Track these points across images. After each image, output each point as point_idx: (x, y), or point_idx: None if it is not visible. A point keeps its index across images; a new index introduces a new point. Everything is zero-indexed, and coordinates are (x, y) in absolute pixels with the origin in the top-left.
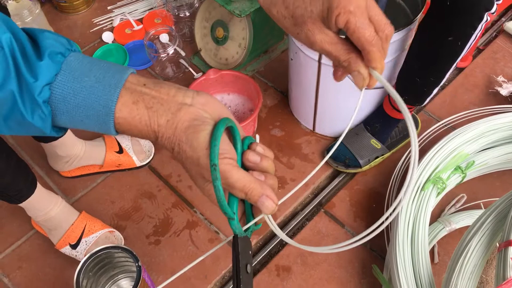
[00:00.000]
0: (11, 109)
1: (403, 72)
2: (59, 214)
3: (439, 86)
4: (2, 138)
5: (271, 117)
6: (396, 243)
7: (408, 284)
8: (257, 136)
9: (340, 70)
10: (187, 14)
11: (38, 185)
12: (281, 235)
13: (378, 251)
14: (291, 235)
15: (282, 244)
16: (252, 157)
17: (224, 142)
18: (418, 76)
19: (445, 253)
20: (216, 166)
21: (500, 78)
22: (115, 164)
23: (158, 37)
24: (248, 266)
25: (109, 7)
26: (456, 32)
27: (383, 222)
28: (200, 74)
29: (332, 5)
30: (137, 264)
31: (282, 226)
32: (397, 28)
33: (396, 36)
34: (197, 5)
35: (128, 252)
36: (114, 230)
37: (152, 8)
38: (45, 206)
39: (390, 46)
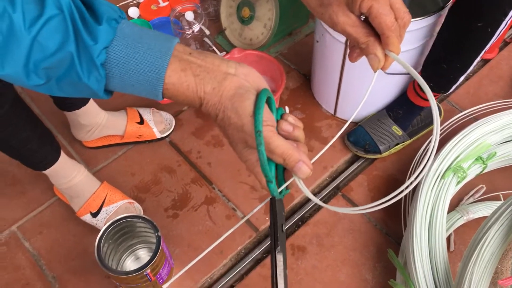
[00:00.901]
0: (67, 70)
1: (430, 58)
2: (82, 183)
3: (466, 74)
4: (29, 107)
5: (293, 99)
6: (414, 228)
7: (424, 270)
8: (287, 108)
9: (356, 51)
10: None
11: (62, 153)
12: (311, 196)
13: (394, 237)
14: (308, 215)
15: (298, 224)
16: (285, 127)
17: (266, 111)
18: (445, 63)
19: (461, 242)
20: (261, 132)
21: None
22: (136, 134)
23: (184, 15)
24: (283, 225)
25: None
26: (486, 17)
27: (407, 187)
28: (224, 53)
29: None
30: (157, 234)
31: (299, 207)
32: (426, 14)
33: (425, 22)
34: None
35: (149, 222)
36: (134, 201)
37: None
38: (68, 174)
39: (417, 32)
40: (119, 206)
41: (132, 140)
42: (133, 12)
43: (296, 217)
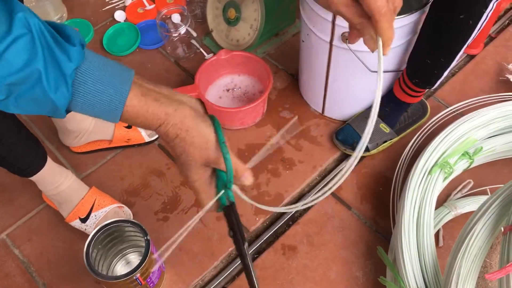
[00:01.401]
0: (32, 87)
1: (414, 54)
2: (69, 188)
3: (450, 68)
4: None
5: (281, 100)
6: (402, 225)
7: (413, 266)
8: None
9: (355, 32)
10: None
11: (49, 159)
12: (246, 199)
13: (383, 234)
14: (298, 215)
15: (289, 224)
16: None
17: None
18: (429, 58)
19: (450, 238)
20: (225, 143)
21: (511, 66)
22: (124, 139)
23: (170, 17)
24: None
25: None
26: (467, 10)
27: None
28: (211, 55)
29: None
30: (146, 238)
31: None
32: (410, 11)
33: (409, 19)
34: None
35: (137, 226)
36: (123, 205)
37: None
38: (55, 179)
39: (402, 29)
40: (108, 211)
41: (120, 145)
42: (120, 15)
43: (286, 217)
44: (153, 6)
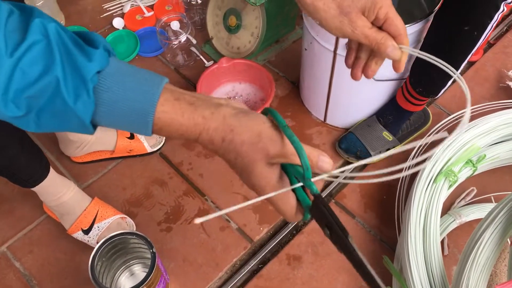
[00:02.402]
0: (51, 98)
1: (417, 63)
2: (72, 199)
3: (453, 78)
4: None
5: (282, 107)
6: (408, 234)
7: (420, 275)
8: None
9: (352, 55)
10: (199, 1)
11: (51, 169)
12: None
13: (389, 243)
14: (302, 224)
15: (293, 233)
16: None
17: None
18: (433, 68)
19: (455, 246)
20: (287, 127)
21: (511, 73)
22: (126, 150)
23: (169, 25)
24: (325, 230)
25: None
26: (472, 21)
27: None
28: (211, 62)
29: (375, 1)
30: (151, 250)
31: None
32: (414, 20)
33: (413, 29)
34: None
35: (143, 238)
36: (126, 216)
37: None
38: (58, 190)
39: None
40: (111, 222)
41: (122, 155)
42: (118, 22)
43: (290, 226)
44: (151, 13)
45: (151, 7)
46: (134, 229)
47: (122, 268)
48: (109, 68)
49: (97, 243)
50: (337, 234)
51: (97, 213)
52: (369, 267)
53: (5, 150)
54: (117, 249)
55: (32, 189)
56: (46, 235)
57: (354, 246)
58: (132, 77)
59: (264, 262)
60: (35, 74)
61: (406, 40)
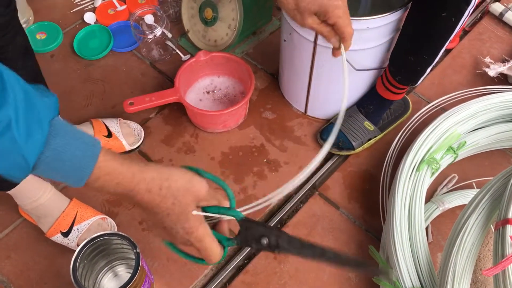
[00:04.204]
0: None
1: (396, 52)
2: (49, 202)
3: (433, 65)
4: None
5: (262, 100)
6: (394, 223)
7: (407, 263)
8: None
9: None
10: None
11: None
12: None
13: (373, 232)
14: (286, 217)
15: (278, 227)
16: None
17: None
18: (412, 55)
19: (439, 233)
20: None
21: (487, 59)
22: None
23: (143, 18)
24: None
25: None
26: (450, 7)
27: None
28: (188, 56)
29: (328, 10)
30: (135, 251)
31: (277, 209)
32: (391, 9)
33: (391, 18)
34: None
35: (126, 238)
36: (106, 217)
37: None
38: (34, 193)
39: (384, 28)
40: (91, 223)
41: None
42: (90, 17)
43: (275, 220)
44: (124, 7)
45: (123, 1)
46: (116, 230)
47: (105, 269)
48: (57, 117)
49: (78, 245)
50: (277, 237)
51: (76, 215)
52: (326, 248)
53: None
54: (99, 250)
55: (8, 192)
56: (24, 239)
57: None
58: (75, 130)
59: (249, 257)
60: None
61: (348, 44)
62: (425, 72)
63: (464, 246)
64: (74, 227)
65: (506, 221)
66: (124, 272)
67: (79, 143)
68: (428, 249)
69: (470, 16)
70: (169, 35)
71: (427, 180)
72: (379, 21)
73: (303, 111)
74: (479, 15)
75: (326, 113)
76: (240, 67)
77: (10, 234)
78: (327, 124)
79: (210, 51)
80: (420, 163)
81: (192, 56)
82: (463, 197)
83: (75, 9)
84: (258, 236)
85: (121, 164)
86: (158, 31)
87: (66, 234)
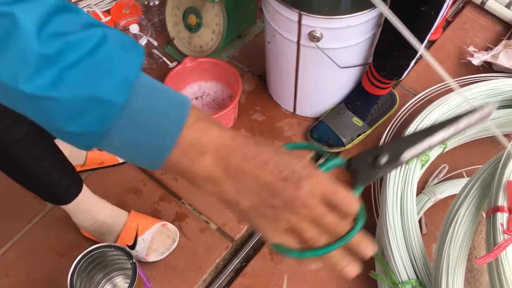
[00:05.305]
0: (94, 47)
1: (379, 47)
2: (109, 217)
3: (415, 58)
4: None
5: (251, 102)
6: (386, 217)
7: (402, 256)
8: None
9: None
10: (156, 2)
11: (84, 186)
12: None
13: (367, 227)
14: None
15: None
16: None
17: None
18: (395, 50)
19: (432, 224)
20: None
21: (471, 48)
22: (97, 162)
23: (128, 28)
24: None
25: (73, 0)
26: (428, 1)
27: None
28: (175, 63)
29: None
30: (131, 261)
31: None
32: (372, 5)
33: (372, 14)
34: None
35: (121, 249)
36: (166, 223)
37: None
38: (93, 208)
39: (366, 24)
40: (154, 232)
41: (93, 167)
42: None
43: None
44: (109, 18)
45: (107, 12)
46: (177, 234)
47: (104, 281)
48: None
49: (147, 255)
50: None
51: (138, 226)
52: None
53: (41, 160)
54: (96, 263)
55: (66, 208)
56: (22, 256)
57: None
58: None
59: (247, 260)
60: (82, 23)
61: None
62: (408, 65)
63: (457, 236)
64: (139, 238)
65: (496, 209)
66: (122, 283)
67: (167, 100)
68: (422, 241)
69: (451, 6)
70: (155, 44)
71: (417, 172)
72: (360, 18)
73: (292, 111)
74: (461, 5)
75: (315, 111)
76: (227, 71)
77: (7, 253)
78: (317, 123)
79: (196, 57)
80: None
81: (179, 63)
82: (454, 187)
83: None
84: (371, 160)
85: (216, 124)
86: (143, 40)
87: (132, 247)
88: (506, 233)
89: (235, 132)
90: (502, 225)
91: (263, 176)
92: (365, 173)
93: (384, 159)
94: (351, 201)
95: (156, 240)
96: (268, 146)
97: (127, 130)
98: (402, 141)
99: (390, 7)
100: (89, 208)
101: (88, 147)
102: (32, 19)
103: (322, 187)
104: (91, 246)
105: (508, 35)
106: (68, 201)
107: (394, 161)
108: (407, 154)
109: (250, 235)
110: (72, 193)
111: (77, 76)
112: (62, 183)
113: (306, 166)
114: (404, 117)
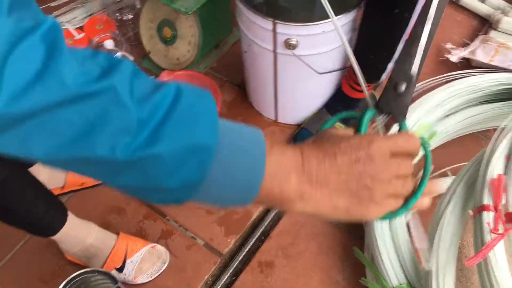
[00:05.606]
0: (199, 98)
1: (356, 51)
2: (97, 240)
3: (393, 60)
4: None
5: (232, 112)
6: (374, 222)
7: (391, 261)
8: None
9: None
10: (130, 16)
11: (69, 212)
12: None
13: (356, 233)
14: (269, 228)
15: (261, 239)
16: None
17: None
18: (371, 53)
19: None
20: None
21: (449, 45)
22: (78, 183)
23: (103, 45)
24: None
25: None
26: (401, 3)
27: None
28: (153, 76)
29: None
30: (116, 285)
31: (259, 220)
32: (346, 10)
33: (346, 19)
34: (139, 6)
35: (105, 274)
36: (156, 244)
37: (91, 14)
38: (80, 233)
39: (341, 29)
40: (143, 253)
41: (74, 189)
42: None
43: (258, 232)
44: (82, 34)
45: (80, 29)
46: (168, 255)
47: None
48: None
49: (135, 278)
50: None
51: (127, 248)
52: None
53: (23, 202)
54: None
55: (54, 238)
56: (13, 278)
57: None
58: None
59: (236, 274)
60: (151, 82)
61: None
62: (386, 68)
63: (445, 237)
64: (127, 261)
65: (481, 208)
66: None
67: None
68: (411, 244)
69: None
70: (131, 58)
71: None
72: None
73: (274, 119)
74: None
75: (297, 118)
76: (204, 83)
77: None
78: (299, 129)
79: (173, 71)
80: None
81: (156, 76)
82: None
83: None
84: (394, 94)
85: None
86: (118, 55)
87: (121, 269)
88: (493, 232)
89: (295, 144)
90: (488, 224)
91: (340, 169)
92: (398, 107)
93: (403, 85)
94: (410, 139)
95: (146, 262)
96: (324, 142)
97: (221, 172)
98: (401, 62)
99: (365, 13)
100: (77, 234)
101: (182, 201)
102: (126, 88)
103: (385, 147)
104: (74, 272)
105: (484, 29)
106: (56, 231)
107: (410, 79)
108: (414, 67)
109: (238, 248)
110: (59, 223)
111: (171, 130)
112: (47, 216)
113: (361, 140)
114: (387, 119)
